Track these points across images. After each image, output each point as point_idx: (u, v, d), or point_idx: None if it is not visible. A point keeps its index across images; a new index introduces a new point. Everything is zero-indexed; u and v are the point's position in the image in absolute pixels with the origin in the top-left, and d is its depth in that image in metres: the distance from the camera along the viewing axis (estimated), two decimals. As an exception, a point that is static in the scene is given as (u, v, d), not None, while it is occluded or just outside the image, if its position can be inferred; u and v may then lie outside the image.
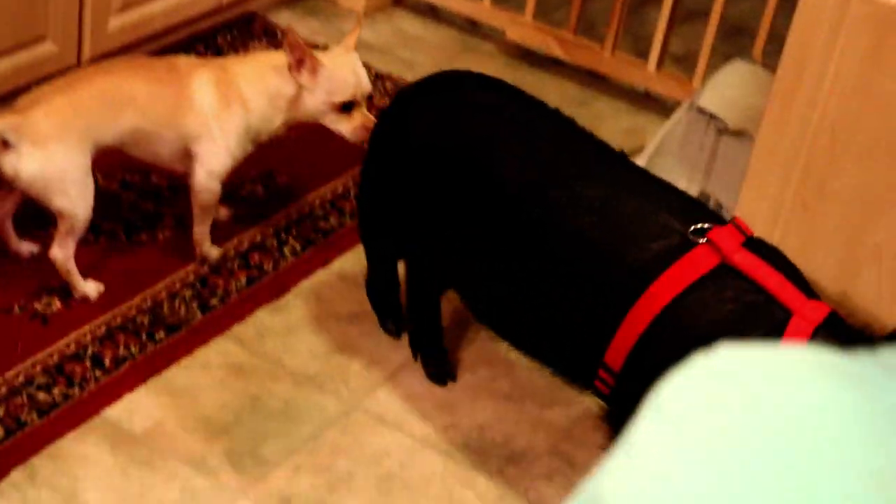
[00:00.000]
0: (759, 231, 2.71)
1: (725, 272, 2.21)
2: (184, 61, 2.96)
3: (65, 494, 2.44)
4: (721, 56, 3.79)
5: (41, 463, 2.49)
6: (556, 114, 2.62)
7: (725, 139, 3.29)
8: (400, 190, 2.62)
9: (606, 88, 3.99)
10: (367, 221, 2.83)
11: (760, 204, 2.71)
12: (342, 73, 2.83)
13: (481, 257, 2.44)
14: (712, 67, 3.61)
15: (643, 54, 3.91)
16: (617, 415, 2.32)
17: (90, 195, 2.77)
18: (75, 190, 2.72)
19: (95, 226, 2.95)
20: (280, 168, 3.39)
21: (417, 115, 2.58)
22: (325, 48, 3.02)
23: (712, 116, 3.29)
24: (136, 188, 3.25)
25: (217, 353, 2.81)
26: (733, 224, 2.34)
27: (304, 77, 2.81)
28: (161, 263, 3.02)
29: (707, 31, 3.75)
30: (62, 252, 2.78)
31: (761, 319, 2.17)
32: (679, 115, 3.43)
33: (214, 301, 2.94)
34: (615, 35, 3.88)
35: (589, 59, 3.96)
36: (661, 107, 3.90)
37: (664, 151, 3.43)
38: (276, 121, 2.89)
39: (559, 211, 2.30)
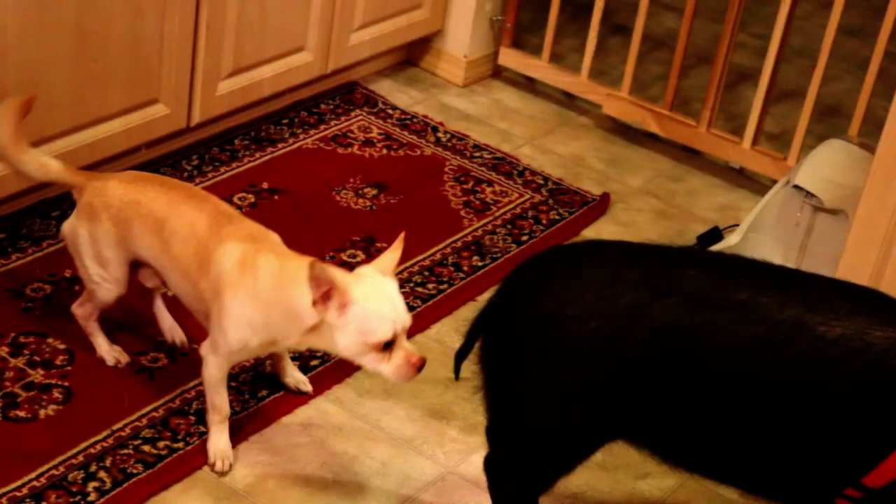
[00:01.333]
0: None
1: None
2: (235, 226, 2.65)
3: (168, 546, 2.51)
4: (815, 136, 3.83)
5: (146, 514, 2.56)
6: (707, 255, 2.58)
7: (821, 217, 3.32)
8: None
9: (701, 165, 4.03)
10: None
11: (858, 280, 2.74)
12: (377, 308, 2.42)
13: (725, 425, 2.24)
14: (807, 147, 3.64)
15: (738, 131, 3.95)
16: None
17: (113, 283, 2.79)
18: (93, 268, 2.77)
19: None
20: (381, 234, 3.46)
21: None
22: (357, 268, 2.56)
23: (808, 194, 3.32)
24: (241, 250, 3.34)
25: (317, 412, 2.87)
26: None
27: (331, 314, 2.42)
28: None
29: (803, 109, 3.78)
30: (80, 310, 2.88)
31: None
32: (775, 191, 3.46)
33: (315, 362, 3.00)
34: (711, 111, 3.93)
35: (684, 135, 4.01)
36: (755, 184, 3.93)
37: (759, 228, 3.46)
38: (290, 337, 2.54)
39: (801, 356, 2.14)
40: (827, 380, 2.13)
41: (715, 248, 3.46)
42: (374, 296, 2.42)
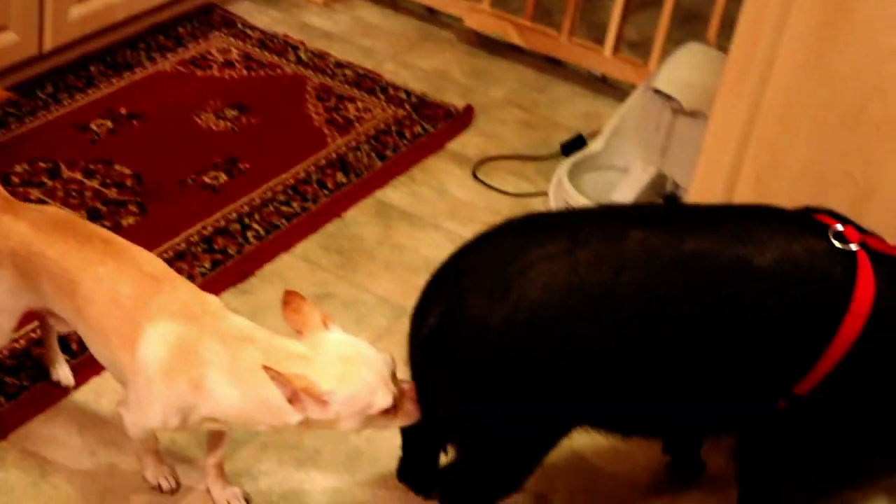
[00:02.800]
0: (714, 205, 2.77)
1: (886, 263, 2.23)
2: (166, 296, 2.28)
3: (34, 476, 2.47)
4: (675, 42, 3.83)
5: (9, 446, 2.52)
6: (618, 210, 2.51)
7: (681, 119, 3.35)
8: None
9: (564, 74, 4.04)
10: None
11: (715, 179, 2.77)
12: (359, 382, 2.14)
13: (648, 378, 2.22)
14: (667, 53, 3.66)
15: (599, 40, 3.96)
16: (790, 429, 2.32)
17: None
18: None
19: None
20: (243, 155, 3.42)
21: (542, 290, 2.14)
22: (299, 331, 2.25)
23: (668, 98, 3.35)
24: (100, 175, 3.28)
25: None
26: (830, 216, 2.32)
27: (315, 412, 2.13)
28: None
29: (662, 16, 3.80)
30: None
31: None
32: (635, 97, 3.49)
33: (179, 285, 2.97)
34: (571, 21, 3.94)
35: (546, 45, 4.01)
36: (618, 91, 3.96)
37: (621, 133, 3.48)
38: (260, 426, 2.27)
39: (723, 286, 2.17)
40: (772, 307, 2.19)
41: (578, 154, 3.47)
42: (346, 372, 2.14)
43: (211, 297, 2.33)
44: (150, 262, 2.36)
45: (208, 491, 2.47)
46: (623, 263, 2.13)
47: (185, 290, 2.31)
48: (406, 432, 2.48)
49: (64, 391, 2.66)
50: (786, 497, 2.59)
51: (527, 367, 2.13)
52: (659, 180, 3.41)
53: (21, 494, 2.43)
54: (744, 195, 2.73)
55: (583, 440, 2.67)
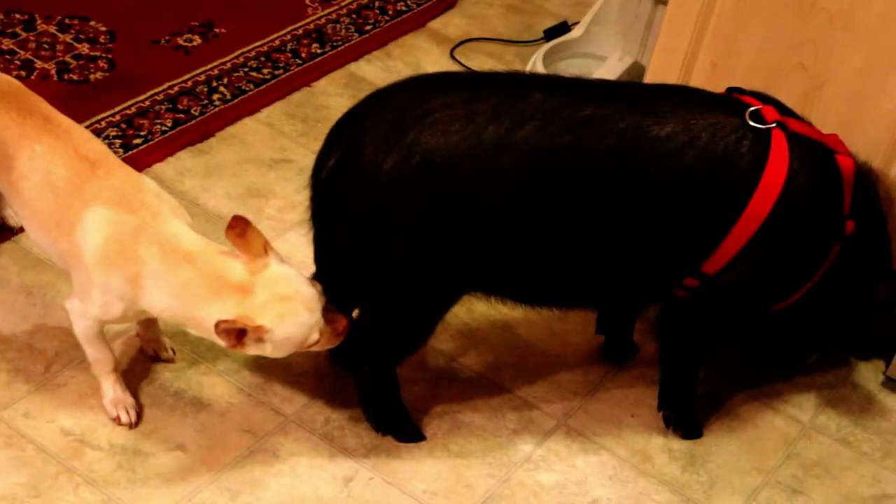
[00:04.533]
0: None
1: (804, 145, 2.23)
2: (101, 181, 2.22)
3: (-30, 311, 2.52)
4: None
5: (-51, 280, 2.57)
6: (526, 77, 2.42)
7: (661, 9, 3.30)
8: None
9: (560, -39, 4.01)
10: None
11: (672, 64, 2.74)
12: (295, 322, 2.16)
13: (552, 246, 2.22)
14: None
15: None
16: (702, 309, 2.34)
17: None
18: None
19: (30, 61, 2.99)
20: (220, 20, 3.42)
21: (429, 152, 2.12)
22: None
23: (648, -14, 3.31)
24: (74, 30, 3.29)
25: (134, 188, 2.86)
26: (752, 96, 2.31)
27: (252, 348, 2.16)
28: (91, 103, 3.06)
29: None
30: None
31: (832, 172, 2.25)
32: (617, -16, 3.45)
33: (138, 141, 2.98)
34: None
35: (543, -68, 3.97)
36: (611, -18, 3.91)
37: (601, 21, 3.45)
38: (189, 326, 2.25)
39: (623, 158, 2.15)
40: (669, 176, 2.17)
41: (557, 40, 3.44)
42: (285, 311, 2.14)
43: (148, 183, 2.28)
44: (88, 143, 2.29)
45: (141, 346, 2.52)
46: (521, 118, 2.12)
47: (120, 175, 2.25)
48: None
49: (10, 232, 2.70)
50: (719, 385, 2.60)
51: (416, 211, 2.13)
52: (635, 69, 3.38)
53: (-49, 327, 2.49)
54: (699, 81, 2.69)
55: (517, 316, 2.70)
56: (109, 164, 2.27)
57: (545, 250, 2.20)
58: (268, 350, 2.17)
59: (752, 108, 2.22)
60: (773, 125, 2.21)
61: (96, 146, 2.30)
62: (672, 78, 2.73)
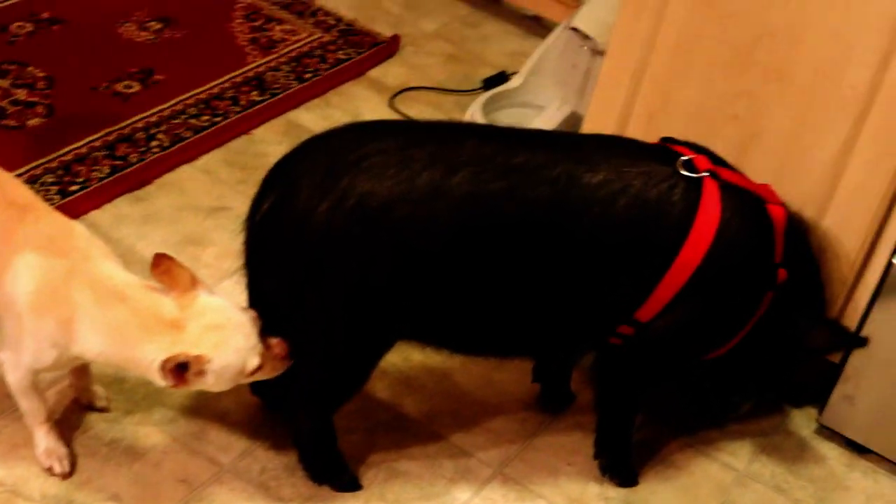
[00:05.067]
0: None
1: (735, 194, 2.26)
2: (31, 226, 2.20)
3: None
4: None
5: None
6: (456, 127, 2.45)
7: (599, 60, 3.34)
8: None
9: (497, 12, 4.03)
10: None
11: (609, 114, 2.77)
12: (233, 348, 2.14)
13: (475, 294, 2.22)
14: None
15: (535, -22, 3.95)
16: (637, 357, 2.34)
17: None
18: None
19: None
20: (160, 67, 3.42)
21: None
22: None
23: (586, 37, 3.34)
24: (12, 76, 3.28)
25: (70, 235, 2.84)
26: (684, 146, 2.35)
27: (194, 383, 2.14)
28: (29, 149, 3.05)
29: (597, -41, 3.78)
30: None
31: (764, 221, 2.28)
32: (555, 35, 3.48)
33: (75, 187, 2.97)
34: (509, -41, 3.93)
35: (483, -18, 4.01)
36: (549, 31, 3.93)
37: (540, 71, 3.48)
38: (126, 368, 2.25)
39: (555, 208, 2.17)
40: (601, 223, 2.19)
41: (495, 90, 3.47)
42: (220, 340, 2.12)
43: (78, 228, 2.27)
44: (16, 189, 2.28)
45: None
46: (455, 165, 2.13)
47: (49, 220, 2.24)
48: None
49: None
50: (654, 432, 2.62)
51: (350, 255, 2.13)
52: (573, 119, 3.40)
53: None
54: (635, 132, 2.72)
55: (454, 364, 2.70)
56: (38, 210, 2.25)
57: (479, 297, 2.21)
58: (210, 382, 2.13)
59: (684, 158, 2.25)
60: (705, 174, 2.23)
61: (24, 192, 2.29)
62: (609, 128, 2.76)
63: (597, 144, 2.33)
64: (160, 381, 2.11)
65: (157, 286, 2.18)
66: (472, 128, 2.37)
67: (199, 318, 2.14)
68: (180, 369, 2.09)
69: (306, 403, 2.34)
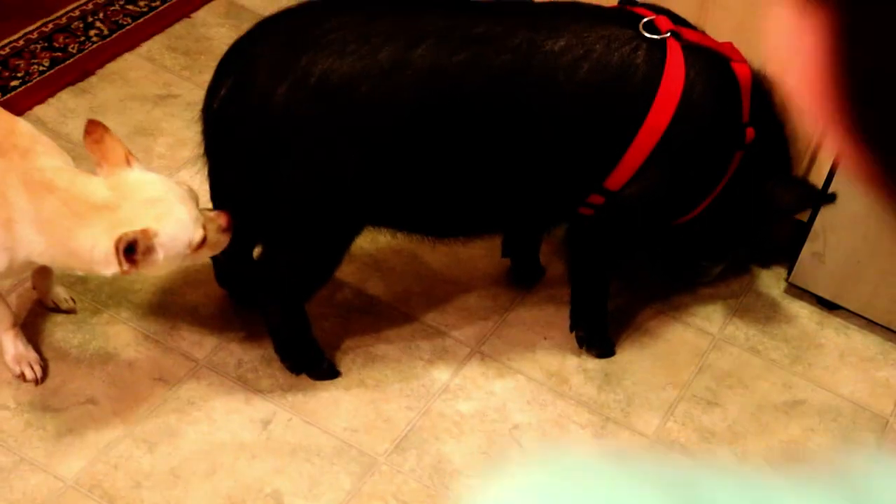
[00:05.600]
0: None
1: (699, 53, 2.20)
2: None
3: None
4: None
5: None
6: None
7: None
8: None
9: None
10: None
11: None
12: (176, 220, 2.04)
13: (443, 173, 2.18)
14: None
15: None
16: (609, 226, 2.31)
17: None
18: None
19: None
20: (90, -49, 3.30)
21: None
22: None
23: None
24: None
25: (16, 133, 2.76)
26: (644, 7, 2.27)
27: (144, 263, 2.01)
28: (-39, 45, 2.95)
29: None
30: None
31: (729, 80, 2.24)
32: None
33: (15, 83, 2.87)
34: None
35: None
36: None
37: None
38: (77, 272, 2.18)
39: (516, 79, 2.11)
40: (564, 90, 2.14)
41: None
42: (161, 213, 2.02)
43: (22, 125, 2.16)
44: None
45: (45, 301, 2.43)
46: (416, 38, 2.07)
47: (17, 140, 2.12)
48: None
49: None
50: (628, 301, 2.61)
51: (313, 136, 2.06)
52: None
53: None
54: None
55: (422, 245, 2.66)
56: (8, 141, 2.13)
57: (447, 174, 2.16)
58: (160, 259, 2.02)
59: (645, 19, 2.20)
60: (668, 35, 2.19)
61: None
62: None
63: (556, 11, 2.26)
64: (106, 269, 2.01)
65: (89, 172, 2.08)
66: (433, 1, 2.30)
67: (134, 195, 2.03)
68: (128, 251, 1.97)
69: (278, 294, 2.30)
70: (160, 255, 2.02)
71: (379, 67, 2.06)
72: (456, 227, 2.35)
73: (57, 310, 2.42)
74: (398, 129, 2.09)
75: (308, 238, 2.22)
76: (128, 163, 2.06)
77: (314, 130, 2.06)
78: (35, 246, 2.07)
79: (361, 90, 2.05)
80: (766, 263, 2.75)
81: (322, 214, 2.17)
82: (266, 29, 2.16)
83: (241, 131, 2.11)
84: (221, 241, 2.14)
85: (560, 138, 2.17)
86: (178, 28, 3.15)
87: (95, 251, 2.00)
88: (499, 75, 2.11)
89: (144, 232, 1.98)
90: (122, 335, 2.40)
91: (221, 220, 2.12)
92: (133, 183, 2.05)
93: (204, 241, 2.08)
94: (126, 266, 1.99)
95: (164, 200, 2.04)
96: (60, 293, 2.43)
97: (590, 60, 2.15)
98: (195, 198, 2.11)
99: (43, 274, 2.38)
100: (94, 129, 2.07)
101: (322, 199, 2.14)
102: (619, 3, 2.34)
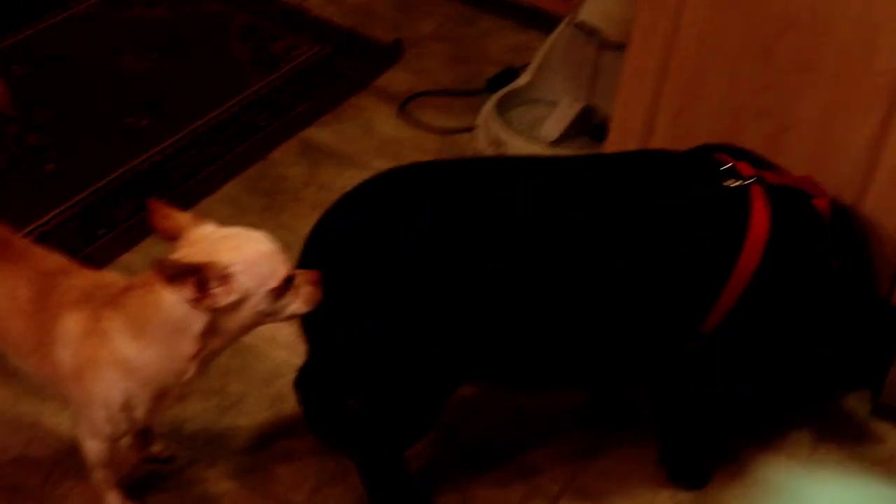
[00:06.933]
0: (635, 140, 2.78)
1: (782, 196, 2.26)
2: (63, 290, 2.11)
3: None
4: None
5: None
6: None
7: (607, 52, 3.33)
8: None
9: (492, 6, 4.01)
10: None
11: (635, 115, 2.77)
12: (255, 251, 1.98)
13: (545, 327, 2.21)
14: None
15: (528, -30, 3.94)
16: (703, 366, 2.33)
17: None
18: None
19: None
20: (164, 97, 3.39)
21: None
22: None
23: (593, 30, 3.33)
24: (20, 121, 3.24)
25: (106, 282, 2.82)
26: (725, 151, 2.35)
27: (222, 298, 1.94)
28: (46, 195, 3.02)
29: (589, -54, 3.77)
30: None
31: (812, 218, 2.29)
32: (561, 30, 3.46)
33: (102, 231, 2.95)
34: (499, -48, 3.91)
35: (474, -23, 3.99)
36: (547, 22, 3.91)
37: (548, 67, 3.46)
38: (184, 371, 2.05)
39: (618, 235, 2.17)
40: (661, 243, 2.19)
41: (505, 89, 3.46)
42: (237, 245, 1.98)
43: (108, 277, 2.17)
44: (47, 259, 2.19)
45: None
46: (515, 206, 2.14)
47: (79, 277, 2.15)
48: (303, 383, 2.47)
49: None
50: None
51: (432, 297, 2.11)
52: (586, 114, 3.40)
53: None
54: (663, 130, 2.72)
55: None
56: (68, 270, 2.16)
57: (552, 329, 2.20)
58: (243, 291, 1.93)
59: (727, 166, 2.25)
60: (751, 180, 2.24)
61: (56, 259, 2.20)
62: (636, 128, 2.76)
63: (639, 161, 2.34)
64: (196, 324, 1.95)
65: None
66: (518, 163, 2.37)
67: (208, 237, 1.99)
68: (200, 283, 1.89)
69: (375, 447, 2.33)
70: (238, 285, 1.94)
71: (488, 232, 2.12)
72: (556, 378, 2.39)
73: (157, 460, 2.46)
74: (504, 293, 2.14)
75: (412, 396, 2.25)
76: (195, 223, 2.03)
77: (432, 291, 2.11)
78: (137, 358, 2.03)
79: (477, 254, 2.11)
80: (853, 387, 2.76)
81: (427, 373, 2.21)
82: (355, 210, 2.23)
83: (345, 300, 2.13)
84: (313, 295, 2.03)
85: (657, 292, 2.22)
86: (255, 170, 3.22)
87: (176, 306, 1.95)
88: (612, 233, 2.17)
89: (210, 265, 1.91)
90: (220, 482, 2.43)
91: (310, 274, 2.04)
92: (208, 233, 2.01)
93: (291, 281, 1.99)
94: (193, 296, 1.91)
95: (241, 235, 2.01)
96: (158, 443, 2.47)
97: (680, 211, 2.21)
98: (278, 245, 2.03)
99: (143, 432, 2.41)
100: (155, 207, 2.01)
101: (428, 359, 2.18)
102: (700, 148, 2.39)
